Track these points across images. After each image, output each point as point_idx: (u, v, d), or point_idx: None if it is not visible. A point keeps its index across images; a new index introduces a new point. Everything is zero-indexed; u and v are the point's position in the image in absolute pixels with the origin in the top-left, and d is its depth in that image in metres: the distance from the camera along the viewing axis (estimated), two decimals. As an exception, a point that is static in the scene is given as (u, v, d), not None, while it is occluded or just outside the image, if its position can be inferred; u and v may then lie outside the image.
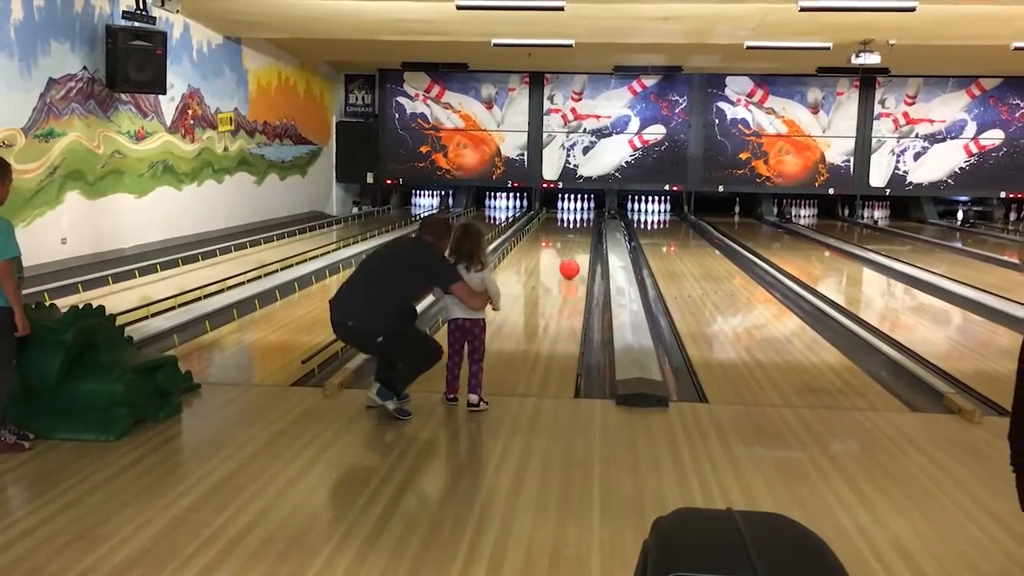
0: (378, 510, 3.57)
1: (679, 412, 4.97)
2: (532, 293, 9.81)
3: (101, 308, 4.56)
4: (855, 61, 13.94)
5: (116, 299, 8.42)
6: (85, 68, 10.46)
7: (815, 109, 19.91)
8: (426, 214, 19.76)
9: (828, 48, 14.11)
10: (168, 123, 12.62)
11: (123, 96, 11.31)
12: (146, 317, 7.26)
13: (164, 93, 11.69)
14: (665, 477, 3.99)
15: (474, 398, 4.89)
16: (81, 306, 4.46)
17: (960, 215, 20.59)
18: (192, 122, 13.37)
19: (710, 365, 6.30)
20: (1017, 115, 19.59)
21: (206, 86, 13.75)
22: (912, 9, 10.36)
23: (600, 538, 3.34)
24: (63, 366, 4.18)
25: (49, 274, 8.99)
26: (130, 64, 10.74)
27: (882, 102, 19.85)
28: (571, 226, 19.08)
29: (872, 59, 13.84)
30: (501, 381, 5.78)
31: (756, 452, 4.40)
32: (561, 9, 10.60)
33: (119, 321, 6.79)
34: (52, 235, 9.97)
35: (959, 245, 15.68)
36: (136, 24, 10.70)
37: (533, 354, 6.58)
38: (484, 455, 4.25)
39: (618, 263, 11.57)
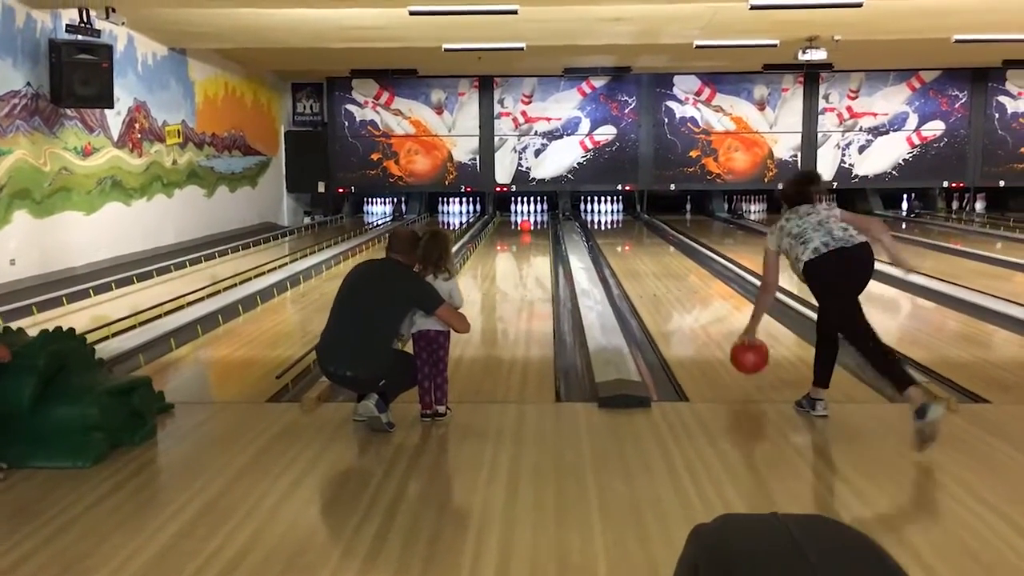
0: (374, 527, 3.50)
1: (662, 412, 4.96)
2: (493, 298, 9.76)
3: (71, 330, 4.41)
4: (802, 57, 14.15)
5: (72, 319, 8.19)
6: (29, 84, 10.17)
7: (762, 106, 20.18)
8: (380, 222, 19.62)
9: (775, 45, 14.31)
10: (115, 138, 12.34)
11: (68, 111, 11.04)
12: (107, 337, 7.06)
13: (112, 107, 11.43)
14: (658, 479, 3.97)
15: (442, 409, 4.82)
16: (52, 328, 4.31)
17: (905, 205, 21.02)
18: (139, 136, 13.10)
19: (684, 363, 6.32)
20: (956, 106, 20.07)
21: (152, 99, 13.48)
22: (859, 4, 10.55)
23: (604, 544, 3.30)
24: (35, 391, 4.04)
25: (0, 296, 8.72)
26: (75, 78, 10.48)
27: (826, 97, 20.20)
28: (527, 231, 19.07)
29: (818, 55, 14.06)
30: (479, 389, 5.74)
31: (744, 449, 4.41)
32: (515, 12, 10.58)
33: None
34: (1, 256, 9.67)
35: (905, 235, 15.97)
36: (80, 37, 10.44)
37: (508, 360, 6.54)
38: (474, 465, 4.19)
39: (579, 264, 11.59)
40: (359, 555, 3.26)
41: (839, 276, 4.68)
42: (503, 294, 10.06)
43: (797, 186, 5.06)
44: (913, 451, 4.22)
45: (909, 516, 3.58)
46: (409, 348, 4.90)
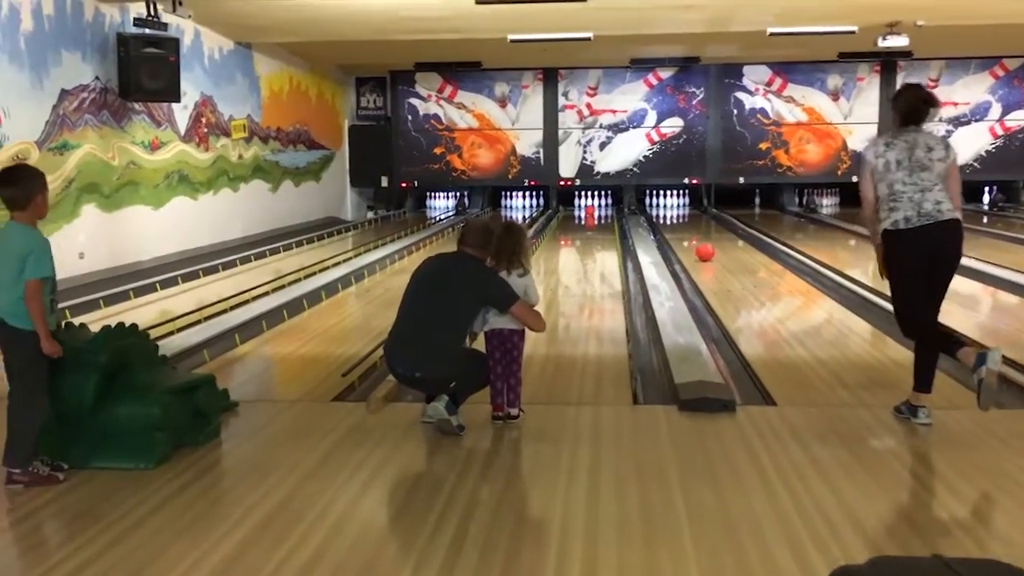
0: (447, 536, 3.27)
1: (748, 416, 4.66)
2: (559, 294, 9.49)
3: (134, 326, 4.28)
4: (882, 44, 13.59)
5: (139, 313, 8.15)
6: (97, 78, 10.20)
7: (835, 96, 19.54)
8: (443, 217, 19.48)
9: (854, 32, 13.75)
10: (182, 132, 12.36)
11: (136, 106, 11.07)
12: (172, 332, 6.98)
13: (178, 101, 11.44)
14: (750, 488, 3.68)
15: (514, 411, 4.58)
16: (114, 324, 4.17)
17: (987, 198, 20.18)
18: (206, 130, 13.12)
19: (768, 363, 5.99)
20: (1044, 95, 19.19)
21: (218, 93, 13.50)
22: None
23: (697, 562, 3.03)
24: (97, 389, 3.90)
25: (69, 290, 8.71)
26: (143, 72, 10.49)
27: (904, 86, 19.43)
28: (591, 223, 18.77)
29: (899, 41, 13.48)
30: (552, 389, 5.49)
31: (840, 457, 4.07)
32: (584, 0, 10.29)
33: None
34: (70, 250, 9.70)
35: (986, 228, 15.26)
36: (148, 31, 10.44)
37: (580, 358, 6.28)
38: (551, 470, 3.94)
39: (647, 258, 11.27)
40: (432, 567, 3.04)
41: (918, 262, 4.35)
42: (569, 289, 9.79)
43: (915, 99, 4.47)
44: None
45: (1033, 536, 3.24)
46: (479, 346, 4.67)
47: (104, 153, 10.40)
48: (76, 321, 4.45)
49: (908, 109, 4.47)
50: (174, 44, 10.82)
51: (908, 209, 4.32)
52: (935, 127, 19.45)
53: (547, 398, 5.29)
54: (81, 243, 9.91)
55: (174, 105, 11.85)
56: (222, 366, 6.18)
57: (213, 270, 10.79)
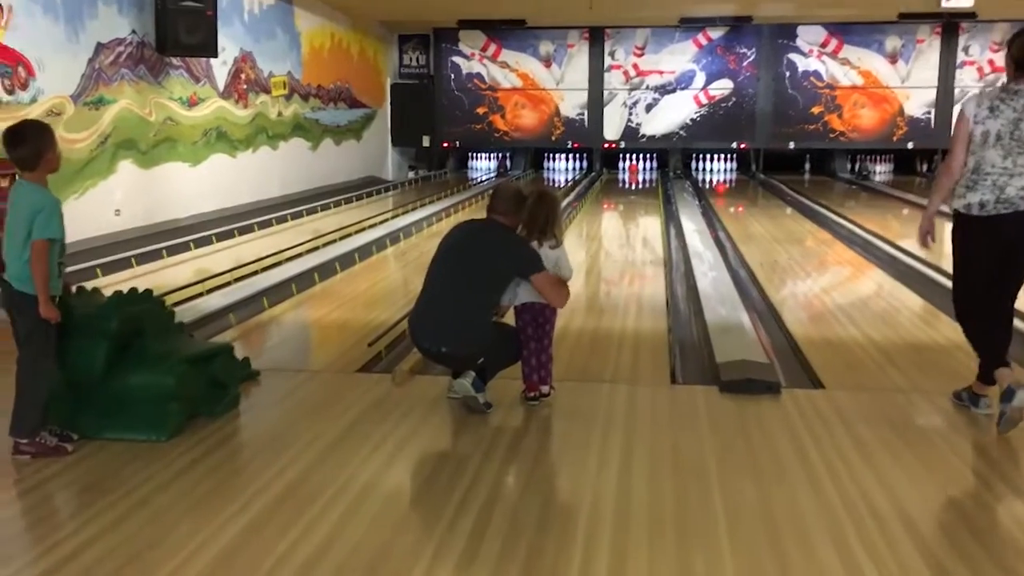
0: (470, 521, 3.08)
1: (794, 400, 4.38)
2: (600, 261, 9.22)
3: (148, 292, 4.11)
4: (945, 5, 12.99)
5: (171, 273, 8.07)
6: (134, 32, 10.05)
7: (893, 59, 18.82)
8: (484, 178, 19.21)
9: (915, -10, 13.16)
10: (221, 88, 12.20)
11: (174, 61, 10.91)
12: (201, 294, 6.85)
13: (216, 56, 11.26)
14: (795, 482, 3.43)
15: (546, 388, 4.34)
16: (127, 291, 4.01)
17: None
18: (245, 87, 12.95)
19: (815, 342, 5.67)
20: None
21: (258, 49, 13.30)
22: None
23: (734, 563, 2.80)
24: (108, 357, 3.74)
25: (103, 247, 8.66)
26: (180, 26, 10.33)
27: (966, 49, 18.67)
28: (634, 187, 18.37)
29: (964, 2, 12.87)
30: (586, 366, 5.25)
31: (893, 447, 3.78)
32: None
33: (174, 299, 6.45)
34: (105, 207, 9.63)
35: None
36: (185, -17, 10.25)
37: (617, 332, 6.02)
38: (582, 454, 3.72)
39: (692, 226, 10.93)
40: (452, 556, 2.85)
41: (987, 253, 3.90)
42: (611, 257, 9.50)
43: None
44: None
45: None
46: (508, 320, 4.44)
47: (141, 109, 10.27)
48: (106, 281, 4.30)
49: None
50: (212, -2, 10.63)
51: (987, 192, 3.83)
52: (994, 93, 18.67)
53: (581, 373, 5.06)
54: (117, 200, 9.82)
55: (212, 61, 11.68)
56: (248, 331, 6.04)
57: (249, 229, 10.66)
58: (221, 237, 9.94)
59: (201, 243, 9.49)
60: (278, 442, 3.86)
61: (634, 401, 4.40)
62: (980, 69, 18.73)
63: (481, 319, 4.11)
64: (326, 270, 8.02)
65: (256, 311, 6.53)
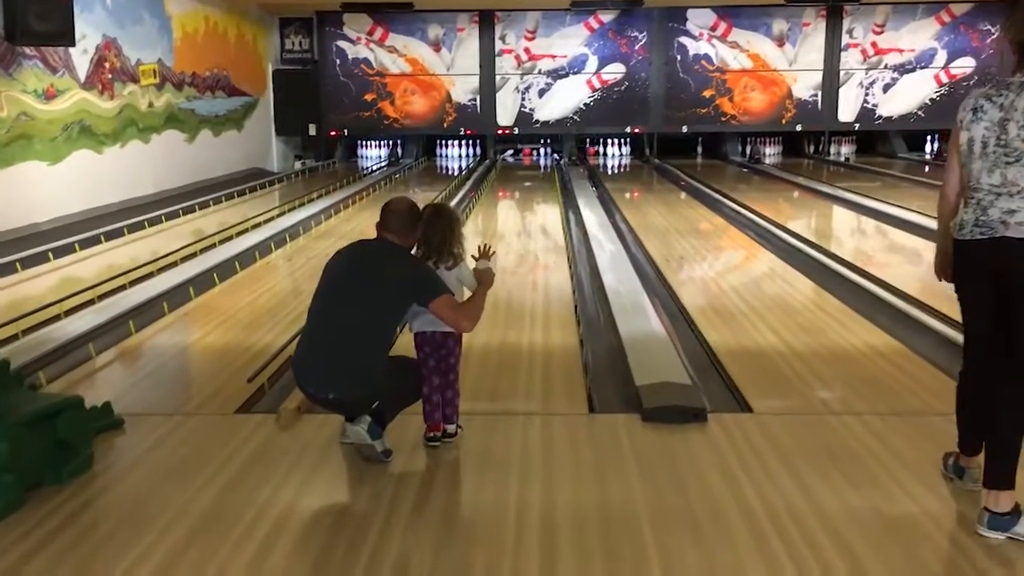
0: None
1: (722, 428, 4.02)
2: (500, 262, 8.75)
3: (-26, 341, 3.44)
4: (832, -12, 12.94)
5: (24, 289, 7.25)
6: (-24, 19, 9.03)
7: (781, 42, 18.93)
8: (375, 168, 18.50)
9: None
10: (82, 79, 11.21)
11: (27, 50, 9.91)
12: (59, 316, 6.09)
13: (73, 44, 10.32)
14: (736, 536, 3.05)
15: (451, 428, 3.87)
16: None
17: (929, 148, 19.89)
18: (110, 76, 11.96)
19: (736, 353, 5.33)
20: (988, 42, 18.82)
21: (124, 35, 12.30)
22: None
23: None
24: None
25: (-54, 262, 7.73)
26: (31, 13, 9.40)
27: (850, 32, 18.93)
28: (530, 173, 18.00)
29: (851, -14, 12.86)
30: (495, 389, 4.79)
31: (842, 491, 3.37)
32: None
33: (26, 324, 5.70)
34: (-51, 215, 8.65)
35: (930, 179, 14.81)
36: (33, -34, 9.27)
37: (526, 348, 5.55)
38: (497, 509, 3.27)
39: (593, 219, 10.60)
40: None
41: (971, 286, 3.15)
42: (512, 254, 9.02)
43: None
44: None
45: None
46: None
47: (-12, 104, 9.27)
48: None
49: None
50: (66, -20, 9.66)
51: (970, 212, 3.07)
52: (880, 74, 19.24)
53: (490, 398, 4.61)
54: (-37, 206, 8.84)
55: (72, 49, 10.70)
56: (110, 363, 5.34)
57: (118, 233, 9.78)
58: (85, 244, 9.05)
59: (62, 252, 8.60)
60: (140, 514, 3.27)
61: (551, 437, 3.97)
62: (864, 51, 19.03)
63: (372, 359, 3.57)
64: (203, 282, 7.30)
65: (122, 336, 5.80)
